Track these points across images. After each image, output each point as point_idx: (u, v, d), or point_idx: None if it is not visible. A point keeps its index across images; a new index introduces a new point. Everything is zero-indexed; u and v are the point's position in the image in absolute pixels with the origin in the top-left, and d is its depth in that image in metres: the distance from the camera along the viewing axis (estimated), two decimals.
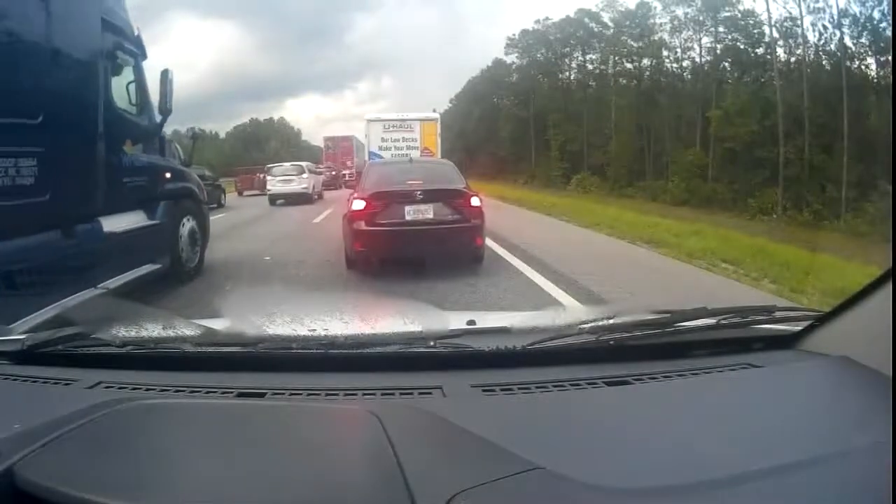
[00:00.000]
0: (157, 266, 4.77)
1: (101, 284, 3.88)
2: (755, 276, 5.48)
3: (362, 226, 5.50)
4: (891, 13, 15.60)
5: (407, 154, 11.96)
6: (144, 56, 4.96)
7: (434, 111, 17.94)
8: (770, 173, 25.32)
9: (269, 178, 19.69)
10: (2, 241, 3.10)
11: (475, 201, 5.72)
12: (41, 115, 3.35)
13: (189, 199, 5.71)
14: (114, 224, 4.26)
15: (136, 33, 4.83)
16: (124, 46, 4.60)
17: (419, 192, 5.55)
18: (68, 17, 3.71)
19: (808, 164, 23.85)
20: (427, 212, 5.53)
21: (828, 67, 25.64)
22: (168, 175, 5.32)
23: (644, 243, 7.79)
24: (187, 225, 5.53)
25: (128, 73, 4.72)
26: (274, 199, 18.35)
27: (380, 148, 13.75)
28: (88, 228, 3.98)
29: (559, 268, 5.61)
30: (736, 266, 5.96)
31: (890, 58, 20.78)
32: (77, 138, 3.83)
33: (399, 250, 5.47)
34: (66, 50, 3.71)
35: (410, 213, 5.52)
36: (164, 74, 5.16)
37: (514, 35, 45.18)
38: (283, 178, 18.83)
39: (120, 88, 4.54)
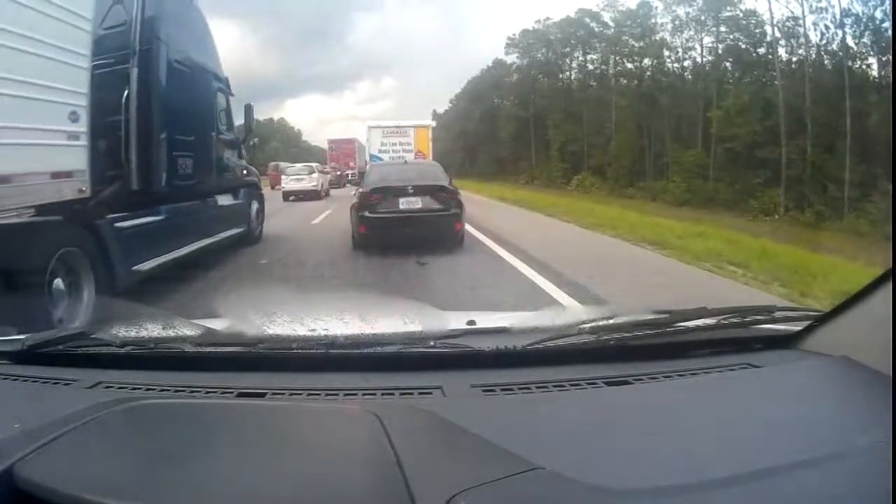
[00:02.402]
0: (241, 229, 7.34)
1: (216, 235, 6.32)
2: (764, 280, 5.36)
3: (366, 214, 6.87)
4: (892, 13, 15.57)
5: (402, 157, 14.22)
6: (231, 93, 7.23)
7: (433, 113, 20.31)
8: (771, 173, 25.29)
9: (283, 176, 21.24)
10: (183, 202, 5.55)
11: (455, 195, 7.15)
12: (193, 135, 5.65)
13: (254, 188, 8.36)
14: (221, 200, 6.79)
15: (225, 76, 7.05)
16: (222, 88, 6.92)
17: (410, 188, 6.96)
18: (200, 74, 6.13)
19: (809, 164, 23.80)
20: (416, 203, 6.91)
21: (829, 67, 25.63)
22: (244, 172, 7.92)
23: (647, 245, 7.71)
24: (254, 205, 8.12)
25: (222, 104, 6.94)
26: (287, 196, 19.47)
27: (379, 151, 15.72)
28: (212, 201, 6.52)
29: (561, 269, 5.59)
30: (744, 269, 5.82)
31: (891, 57, 20.75)
32: (206, 148, 6.19)
33: (394, 233, 6.79)
34: (199, 94, 6.08)
35: (404, 203, 6.89)
36: (248, 107, 7.94)
37: (514, 35, 45.33)
38: (295, 177, 20.39)
39: (219, 115, 6.83)
